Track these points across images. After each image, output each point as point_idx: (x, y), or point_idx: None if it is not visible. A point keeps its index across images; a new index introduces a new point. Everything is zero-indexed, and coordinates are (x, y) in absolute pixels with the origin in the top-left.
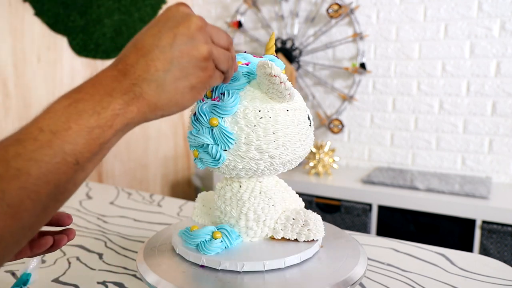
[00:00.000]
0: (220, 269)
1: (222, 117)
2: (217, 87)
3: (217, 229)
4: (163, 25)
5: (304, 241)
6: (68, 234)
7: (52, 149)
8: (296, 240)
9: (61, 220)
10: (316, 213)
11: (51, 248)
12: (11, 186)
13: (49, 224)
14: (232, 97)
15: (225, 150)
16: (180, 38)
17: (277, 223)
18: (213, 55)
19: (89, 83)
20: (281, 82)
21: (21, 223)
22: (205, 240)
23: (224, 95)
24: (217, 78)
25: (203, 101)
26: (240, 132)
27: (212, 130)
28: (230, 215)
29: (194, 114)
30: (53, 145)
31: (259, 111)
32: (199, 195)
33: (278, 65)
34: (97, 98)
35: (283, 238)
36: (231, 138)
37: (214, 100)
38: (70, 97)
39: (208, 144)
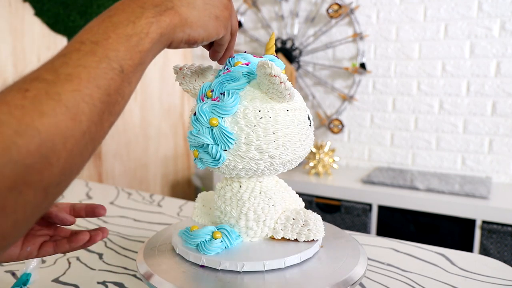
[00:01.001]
0: (220, 269)
1: (222, 117)
2: (217, 87)
3: (217, 229)
4: None
5: (304, 241)
6: (102, 231)
7: (96, 56)
8: (296, 240)
9: (97, 210)
10: (316, 213)
11: (87, 243)
12: (65, 89)
13: (86, 215)
14: (232, 97)
15: (225, 150)
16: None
17: (277, 223)
18: (231, 9)
19: (119, 2)
20: (281, 82)
21: (81, 128)
22: (205, 240)
23: (224, 95)
24: (227, 34)
25: (203, 101)
26: (240, 132)
27: (212, 130)
28: (230, 215)
29: (194, 114)
30: (96, 53)
31: (259, 111)
32: (199, 195)
33: (278, 65)
34: (129, 10)
35: (283, 238)
36: (231, 138)
37: (214, 100)
38: (103, 15)
39: (208, 144)
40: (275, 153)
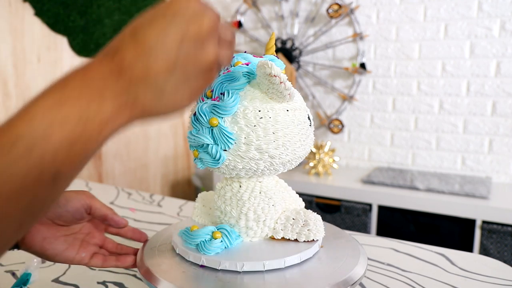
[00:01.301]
0: (220, 269)
1: (222, 117)
2: (217, 87)
3: (217, 229)
4: (170, 21)
5: (304, 241)
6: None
7: (30, 161)
8: (296, 240)
9: (141, 238)
10: (316, 213)
11: (132, 266)
12: None
13: (131, 237)
14: (232, 97)
15: (225, 150)
16: (189, 40)
17: (277, 223)
18: (219, 58)
19: (78, 76)
20: (281, 82)
21: None
22: (205, 240)
23: (224, 95)
24: (216, 77)
25: (203, 101)
26: (240, 132)
27: (212, 130)
28: (230, 215)
29: (194, 114)
30: (31, 157)
31: (259, 111)
32: (199, 195)
33: (278, 65)
34: (84, 101)
35: (283, 238)
36: (231, 138)
37: (214, 100)
38: (54, 95)
39: (208, 144)
40: (275, 153)
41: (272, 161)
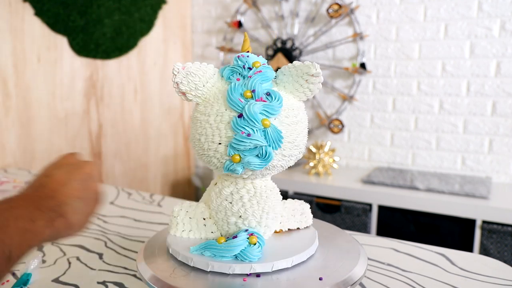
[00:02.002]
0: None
1: (271, 117)
2: (258, 87)
3: (250, 234)
4: (70, 167)
5: (301, 228)
6: None
7: None
8: (298, 228)
9: None
10: (313, 211)
11: None
12: None
13: None
14: (277, 96)
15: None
16: (85, 176)
17: (282, 216)
18: (97, 195)
19: (19, 198)
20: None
21: None
22: (245, 248)
23: (269, 95)
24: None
25: (241, 102)
26: (285, 131)
27: (265, 131)
28: (252, 217)
29: (240, 116)
30: None
31: (293, 109)
32: (176, 209)
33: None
34: (30, 209)
35: (281, 230)
36: (282, 137)
37: (259, 101)
38: (6, 203)
39: (259, 146)
40: (303, 149)
41: (297, 157)
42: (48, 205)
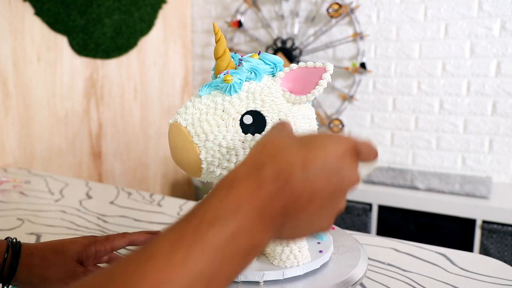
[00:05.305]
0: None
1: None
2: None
3: None
4: (335, 174)
5: None
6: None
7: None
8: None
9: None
10: None
11: None
12: None
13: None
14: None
15: None
16: (337, 195)
17: None
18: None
19: (251, 203)
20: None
21: None
22: None
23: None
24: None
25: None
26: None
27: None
28: None
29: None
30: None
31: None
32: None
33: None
34: (254, 230)
35: None
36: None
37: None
38: (232, 222)
39: None
40: None
41: None
42: (277, 221)
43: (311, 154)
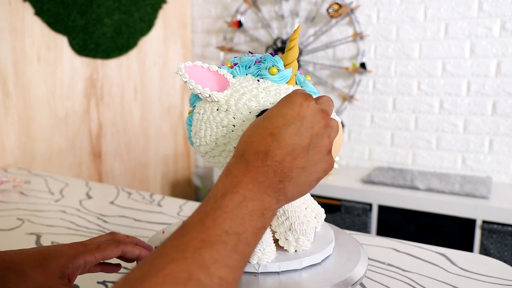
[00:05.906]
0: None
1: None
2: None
3: None
4: (301, 125)
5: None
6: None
7: (238, 254)
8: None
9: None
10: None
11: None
12: None
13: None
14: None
15: None
16: (315, 138)
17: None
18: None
19: (247, 177)
20: None
21: None
22: None
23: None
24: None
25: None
26: None
27: None
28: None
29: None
30: (238, 250)
31: None
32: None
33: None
34: (259, 197)
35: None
36: None
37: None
38: (237, 192)
39: None
40: None
41: None
42: (273, 184)
43: (273, 123)
